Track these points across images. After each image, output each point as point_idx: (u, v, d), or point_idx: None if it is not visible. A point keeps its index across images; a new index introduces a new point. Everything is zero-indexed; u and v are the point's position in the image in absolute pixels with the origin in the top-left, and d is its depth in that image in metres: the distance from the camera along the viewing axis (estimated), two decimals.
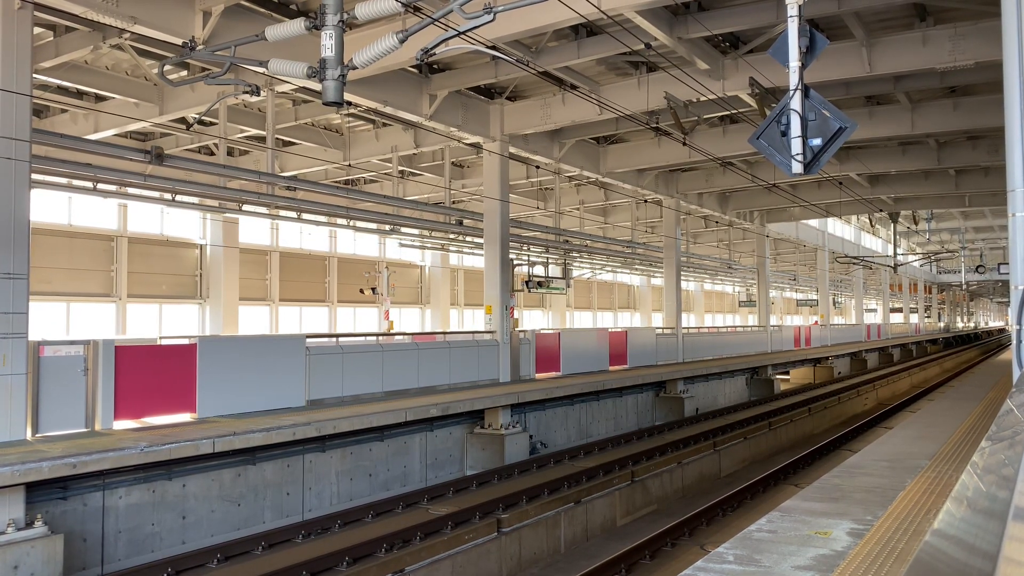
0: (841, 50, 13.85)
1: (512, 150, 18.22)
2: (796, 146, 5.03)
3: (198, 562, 8.98)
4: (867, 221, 41.07)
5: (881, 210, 30.34)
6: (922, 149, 22.05)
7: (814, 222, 37.72)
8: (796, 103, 5.02)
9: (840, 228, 42.75)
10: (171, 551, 9.55)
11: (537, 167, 21.23)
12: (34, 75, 11.25)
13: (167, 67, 12.14)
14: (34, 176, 10.71)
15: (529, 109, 17.19)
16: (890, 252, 34.06)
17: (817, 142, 5.01)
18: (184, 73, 14.80)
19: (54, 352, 9.92)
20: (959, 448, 11.41)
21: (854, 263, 36.92)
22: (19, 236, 9.36)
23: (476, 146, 18.54)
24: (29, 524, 8.02)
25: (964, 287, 48.72)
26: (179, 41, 10.11)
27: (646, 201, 26.77)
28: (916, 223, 36.10)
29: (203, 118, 17.01)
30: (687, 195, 26.33)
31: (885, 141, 21.26)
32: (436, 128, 16.66)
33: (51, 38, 13.14)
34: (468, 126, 16.74)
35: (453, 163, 22.54)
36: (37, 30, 12.63)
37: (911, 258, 45.23)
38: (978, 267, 44.91)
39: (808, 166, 5.10)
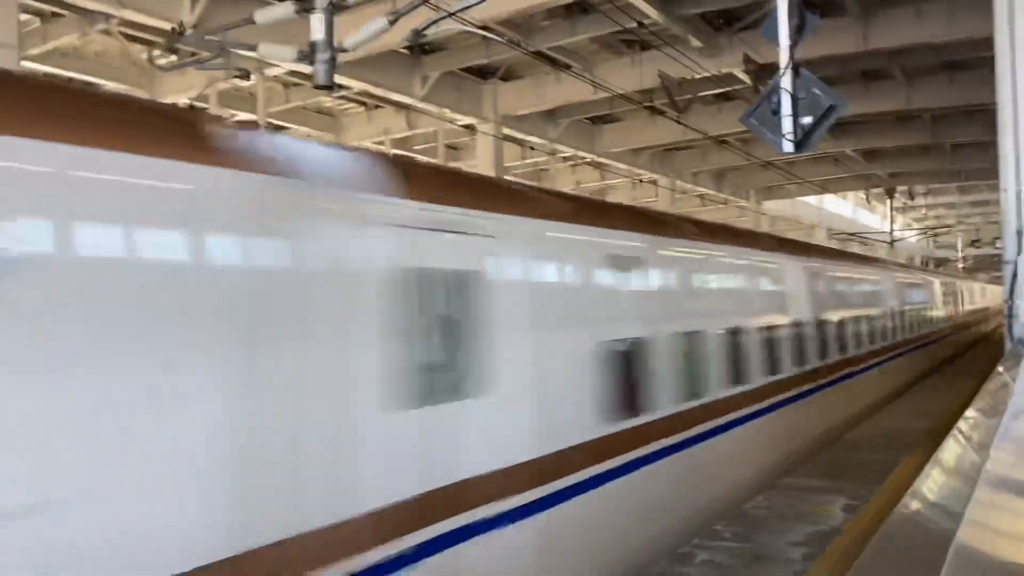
0: (836, 26, 13.77)
1: (506, 131, 18.14)
2: (787, 125, 5.02)
3: None
4: (864, 197, 41.01)
5: (877, 185, 30.28)
6: (918, 124, 21.97)
7: (811, 199, 37.66)
8: (786, 82, 5.00)
9: (837, 205, 42.66)
10: None
11: (532, 148, 21.15)
12: (22, 63, 11.16)
13: (157, 52, 12.06)
14: None
15: (523, 89, 17.09)
16: (887, 228, 34.04)
17: (808, 120, 5.00)
18: (174, 58, 14.66)
19: None
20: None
21: (851, 239, 36.90)
22: None
23: (470, 128, 18.45)
24: None
25: (960, 262, 48.78)
26: (168, 26, 10.02)
27: (642, 181, 26.70)
28: (912, 198, 36.06)
29: (194, 103, 16.90)
30: (683, 174, 26.24)
31: (881, 116, 21.18)
32: (429, 110, 16.58)
33: (38, 24, 13.03)
34: (461, 107, 16.65)
35: (447, 145, 22.43)
36: (24, 17, 12.51)
37: (907, 233, 45.22)
38: (974, 242, 44.90)
39: (799, 145, 5.09)
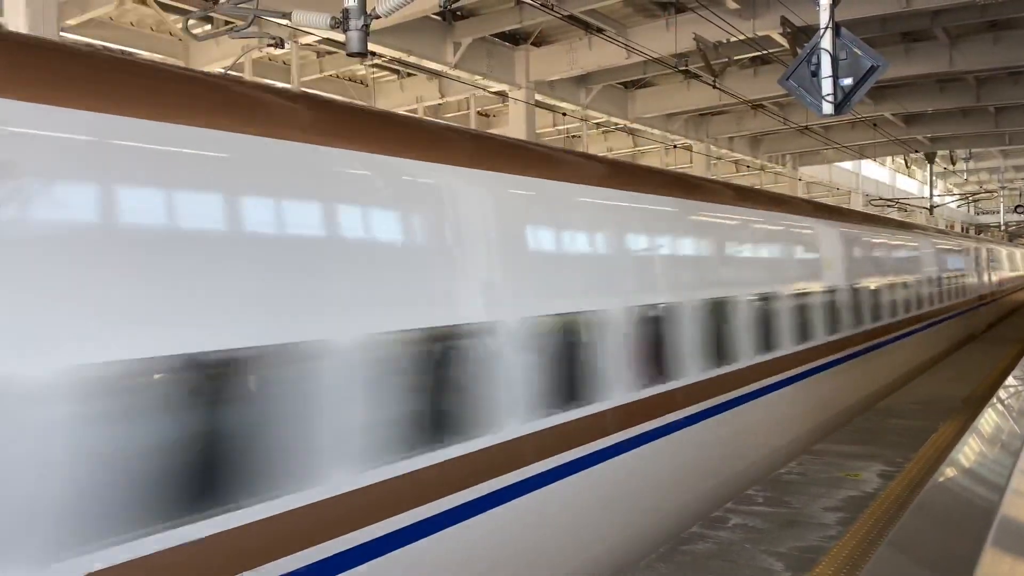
0: None
1: (538, 97, 18.00)
2: (827, 86, 4.93)
3: None
4: (903, 162, 40.14)
5: (917, 150, 29.63)
6: (960, 86, 21.39)
7: (848, 164, 36.97)
8: (826, 42, 4.90)
9: (875, 170, 41.81)
10: None
11: (564, 114, 20.98)
12: (61, 33, 11.31)
13: (191, 21, 12.12)
14: None
15: (555, 55, 16.92)
16: (926, 193, 33.32)
17: (848, 82, 4.90)
18: (208, 27, 14.76)
19: None
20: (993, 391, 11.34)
21: (889, 205, 36.23)
22: None
23: (502, 95, 18.35)
24: None
25: (1003, 228, 47.62)
26: None
27: (675, 147, 26.38)
28: (953, 163, 35.20)
29: (229, 72, 17.00)
30: (718, 139, 25.86)
31: (922, 79, 20.63)
32: (461, 77, 16.50)
33: None
34: (493, 74, 16.54)
35: (479, 113, 22.34)
36: None
37: (947, 199, 44.26)
38: (1017, 207, 43.71)
39: (839, 107, 5.00)
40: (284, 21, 8.10)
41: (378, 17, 6.97)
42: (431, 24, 14.92)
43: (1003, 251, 29.82)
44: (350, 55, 7.10)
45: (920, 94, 22.04)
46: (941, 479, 1.58)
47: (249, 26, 8.86)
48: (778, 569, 5.34)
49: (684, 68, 15.60)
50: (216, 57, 15.39)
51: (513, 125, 17.73)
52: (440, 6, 7.27)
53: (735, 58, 17.12)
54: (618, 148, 27.59)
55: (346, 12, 6.90)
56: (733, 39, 14.33)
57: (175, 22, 14.30)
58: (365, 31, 6.94)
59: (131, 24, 15.22)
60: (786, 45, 15.27)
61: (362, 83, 19.98)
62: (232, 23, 13.36)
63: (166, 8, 14.03)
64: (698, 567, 5.38)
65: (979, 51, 17.29)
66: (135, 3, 13.23)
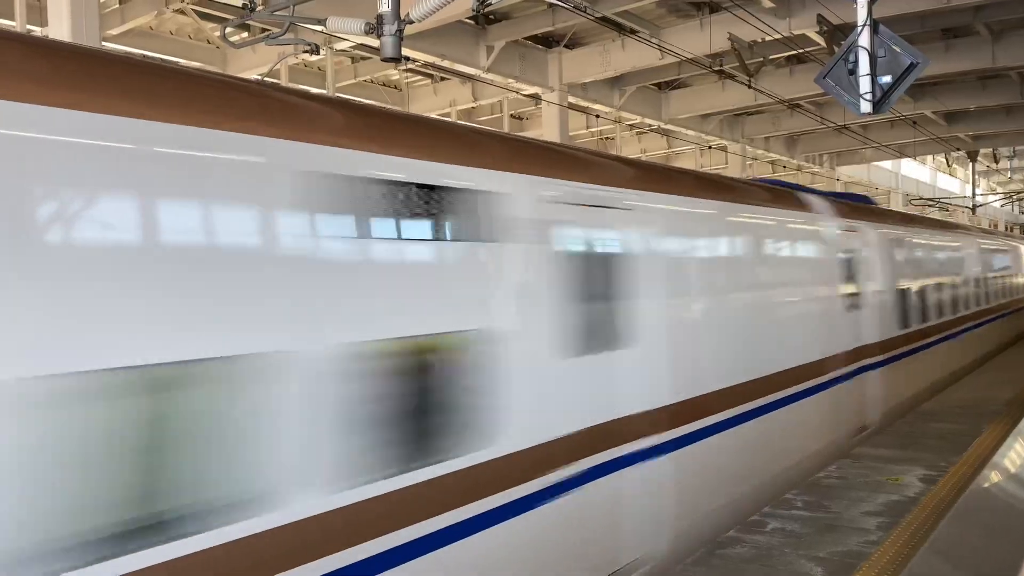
0: None
1: (571, 99, 17.98)
2: (865, 85, 4.86)
3: None
4: (944, 161, 39.39)
5: (959, 149, 29.06)
6: (1004, 83, 20.94)
7: (887, 164, 36.36)
8: (864, 39, 4.83)
9: (915, 169, 41.06)
10: None
11: (597, 116, 20.92)
12: (102, 43, 11.55)
13: (229, 29, 12.29)
14: None
15: (588, 56, 16.88)
16: (968, 193, 32.65)
17: (887, 80, 4.82)
18: (245, 35, 14.98)
19: None
20: None
21: (930, 205, 35.57)
22: None
23: (535, 97, 18.37)
24: None
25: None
26: (239, 2, 10.20)
27: (710, 147, 26.17)
28: (996, 161, 34.46)
29: (265, 79, 17.21)
30: (753, 140, 25.60)
31: (963, 76, 20.24)
32: (494, 80, 16.54)
33: (116, 6, 13.43)
34: (526, 76, 16.55)
35: (512, 116, 22.37)
36: None
37: (991, 198, 43.30)
38: None
39: (877, 105, 4.92)
40: (319, 27, 8.20)
41: (412, 22, 7.01)
42: (464, 28, 14.98)
43: None
44: (384, 60, 7.15)
45: (961, 91, 21.62)
46: (984, 484, 1.54)
47: (285, 33, 8.99)
48: (817, 574, 5.27)
49: (719, 68, 15.48)
50: (253, 64, 15.61)
51: (546, 128, 17.73)
52: (473, 10, 7.29)
53: (770, 57, 16.94)
54: (652, 150, 27.45)
55: (380, 18, 6.95)
56: (768, 38, 14.19)
57: (213, 30, 14.53)
58: (399, 36, 6.98)
59: (170, 33, 15.50)
60: (823, 43, 15.06)
61: (396, 87, 20.13)
62: (268, 30, 13.55)
63: (204, 17, 14.27)
64: (736, 571, 5.33)
65: (1022, 46, 16.92)
66: (174, 12, 13.47)
